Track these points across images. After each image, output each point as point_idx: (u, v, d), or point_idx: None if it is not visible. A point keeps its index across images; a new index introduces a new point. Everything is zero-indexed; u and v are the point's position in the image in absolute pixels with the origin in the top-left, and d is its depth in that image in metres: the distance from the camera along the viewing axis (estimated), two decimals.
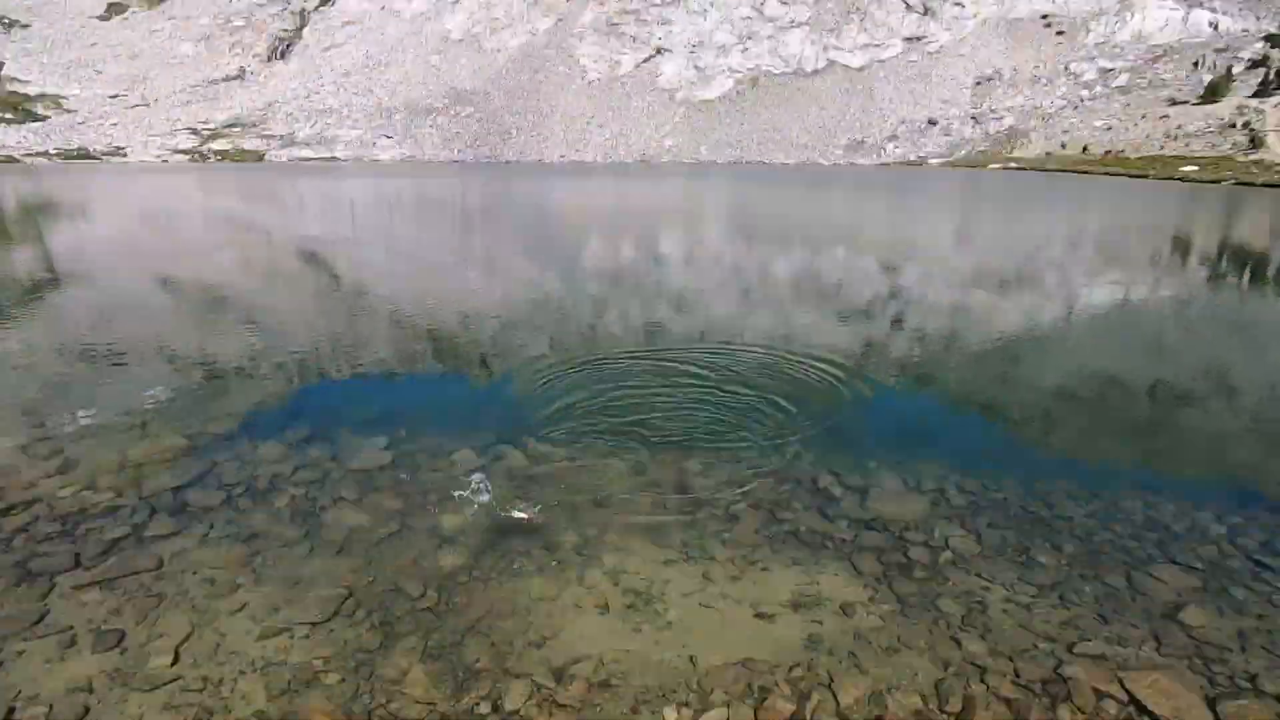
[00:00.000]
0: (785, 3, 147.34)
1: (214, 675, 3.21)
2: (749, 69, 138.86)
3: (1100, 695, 3.10)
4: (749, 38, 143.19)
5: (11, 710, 2.98)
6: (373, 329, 9.85)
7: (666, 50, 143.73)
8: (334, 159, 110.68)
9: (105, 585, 3.87)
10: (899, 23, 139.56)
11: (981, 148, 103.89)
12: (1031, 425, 6.60)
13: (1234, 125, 72.93)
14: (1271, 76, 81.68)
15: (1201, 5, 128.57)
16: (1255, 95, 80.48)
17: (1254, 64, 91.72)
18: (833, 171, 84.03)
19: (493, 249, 19.13)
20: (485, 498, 4.79)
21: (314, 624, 3.57)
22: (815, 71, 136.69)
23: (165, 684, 3.15)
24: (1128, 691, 3.12)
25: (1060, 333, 10.17)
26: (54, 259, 16.08)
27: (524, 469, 5.29)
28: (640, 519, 4.60)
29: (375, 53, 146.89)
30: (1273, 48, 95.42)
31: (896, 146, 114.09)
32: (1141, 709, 3.02)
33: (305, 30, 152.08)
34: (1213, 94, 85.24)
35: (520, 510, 4.61)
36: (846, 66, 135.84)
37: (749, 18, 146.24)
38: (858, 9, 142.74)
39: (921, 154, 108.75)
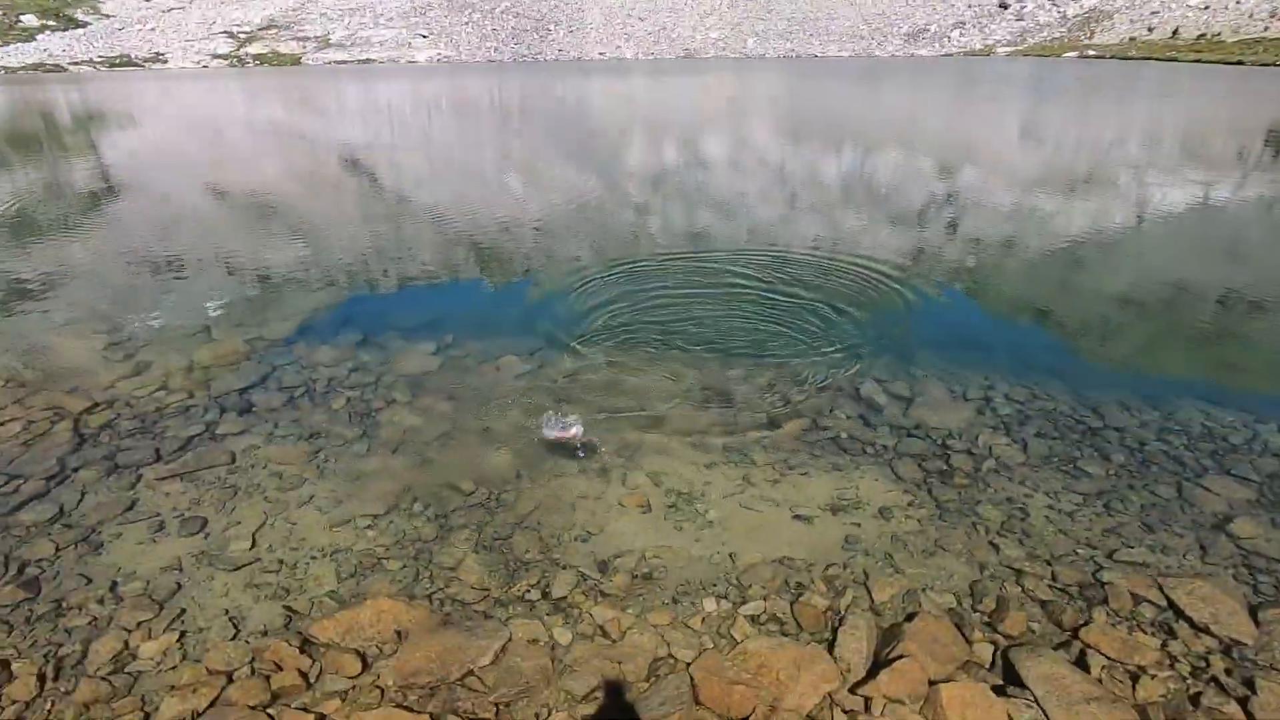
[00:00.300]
0: None
1: (289, 559, 3.50)
2: None
3: (1138, 600, 3.13)
4: None
5: (114, 585, 3.31)
6: (416, 236, 9.92)
7: None
8: (369, 60, 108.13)
9: (185, 478, 4.18)
10: None
11: (1058, 33, 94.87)
12: (1089, 333, 6.36)
13: None
14: None
15: None
16: None
17: None
18: (890, 63, 78.31)
19: (532, 153, 18.74)
20: (562, 432, 4.29)
21: (375, 516, 3.81)
22: None
23: (246, 565, 3.45)
24: (1166, 597, 3.13)
25: (1128, 236, 9.59)
26: (108, 170, 16.44)
27: (570, 374, 5.39)
28: (682, 424, 4.68)
29: None
30: None
31: (963, 34, 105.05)
32: (1179, 613, 3.04)
33: None
34: None
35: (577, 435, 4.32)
36: None
37: None
38: None
39: (989, 42, 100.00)
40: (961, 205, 11.50)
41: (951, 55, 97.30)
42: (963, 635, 2.97)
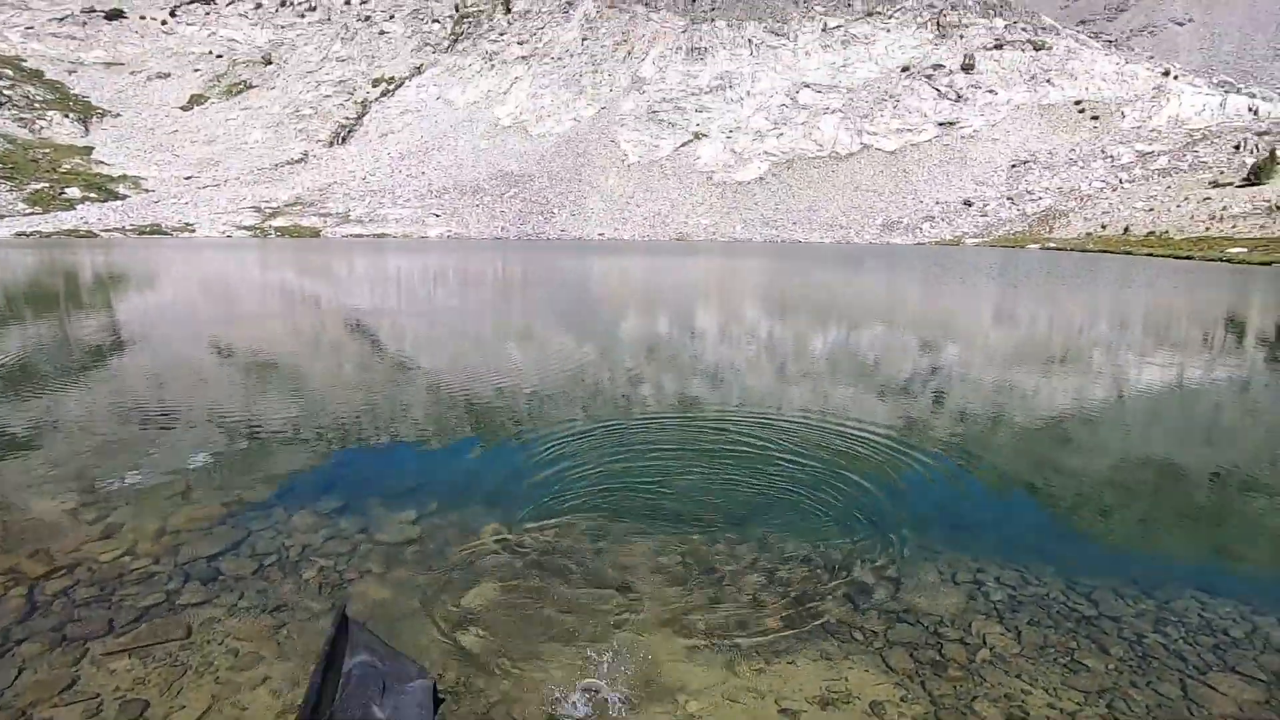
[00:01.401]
0: (819, 91, 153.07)
1: None
2: (784, 152, 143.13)
3: None
4: (784, 123, 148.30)
5: None
6: (410, 398, 10.11)
7: (704, 135, 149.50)
8: (384, 235, 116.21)
9: (135, 653, 3.93)
10: (931, 109, 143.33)
11: (1019, 228, 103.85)
12: (1078, 515, 6.34)
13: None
14: None
15: (1239, 91, 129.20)
16: None
17: None
18: (867, 248, 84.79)
19: (530, 321, 19.64)
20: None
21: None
22: (850, 155, 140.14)
23: None
24: None
25: (1109, 416, 9.87)
26: (118, 324, 17.05)
27: (549, 545, 5.27)
28: (662, 604, 4.52)
29: (429, 138, 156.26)
30: None
31: (933, 227, 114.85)
32: None
33: (365, 118, 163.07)
34: (1257, 176, 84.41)
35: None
36: (880, 150, 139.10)
37: (784, 105, 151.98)
38: (890, 96, 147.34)
39: (957, 234, 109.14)
40: (946, 381, 11.92)
41: (924, 244, 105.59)
42: None
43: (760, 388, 11.16)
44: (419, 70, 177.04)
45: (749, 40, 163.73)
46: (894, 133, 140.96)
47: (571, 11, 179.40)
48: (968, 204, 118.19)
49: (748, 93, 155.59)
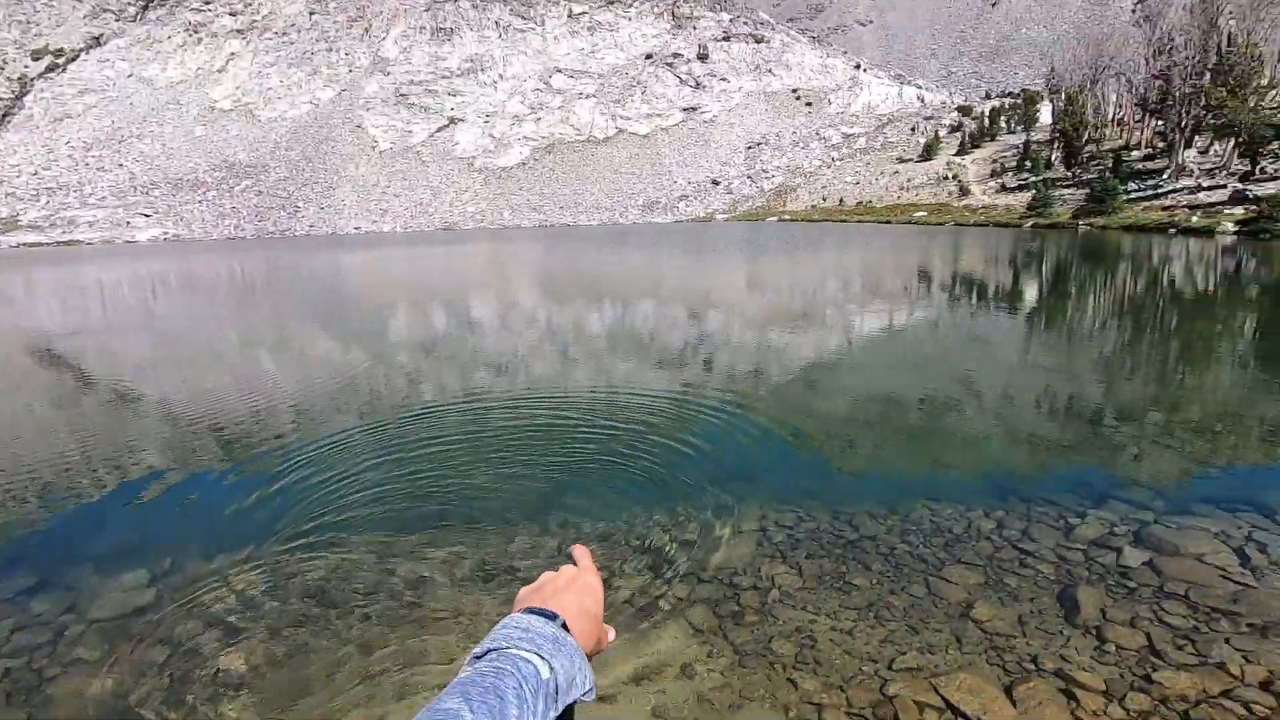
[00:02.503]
0: (572, 76, 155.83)
1: None
2: (543, 137, 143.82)
3: (922, 707, 3.29)
4: (540, 108, 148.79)
5: None
6: (130, 434, 8.34)
7: (460, 120, 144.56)
8: (75, 242, 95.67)
9: None
10: (675, 95, 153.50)
11: (759, 203, 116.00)
12: (831, 450, 7.16)
13: (946, 178, 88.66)
14: (966, 139, 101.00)
15: (909, 83, 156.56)
16: (957, 153, 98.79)
17: (952, 129, 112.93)
18: (631, 227, 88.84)
19: (276, 326, 17.40)
20: None
21: None
22: (607, 139, 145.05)
23: None
24: (942, 697, 3.34)
25: (843, 360, 11.35)
26: None
27: (325, 575, 4.65)
28: (467, 619, 4.21)
29: (123, 124, 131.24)
30: (964, 116, 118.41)
31: (688, 205, 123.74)
32: (956, 712, 3.24)
33: (28, 99, 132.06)
34: (928, 153, 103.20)
35: None
36: (634, 134, 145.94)
37: (539, 89, 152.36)
38: (639, 82, 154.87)
39: (710, 210, 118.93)
40: (710, 347, 12.81)
41: (681, 221, 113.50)
42: None
43: (540, 371, 11.05)
44: (98, 41, 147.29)
45: (496, 23, 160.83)
46: (645, 117, 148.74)
47: None
48: (715, 183, 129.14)
49: (500, 76, 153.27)
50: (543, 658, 0.66)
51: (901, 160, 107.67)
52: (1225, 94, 50.37)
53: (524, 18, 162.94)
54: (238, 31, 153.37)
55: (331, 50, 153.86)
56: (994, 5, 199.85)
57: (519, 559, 4.89)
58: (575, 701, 0.70)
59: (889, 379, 10.08)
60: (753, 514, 5.46)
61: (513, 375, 10.97)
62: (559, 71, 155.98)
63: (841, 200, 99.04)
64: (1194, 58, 56.48)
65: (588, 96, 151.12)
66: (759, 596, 4.33)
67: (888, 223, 72.16)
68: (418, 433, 7.86)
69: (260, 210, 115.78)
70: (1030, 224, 55.74)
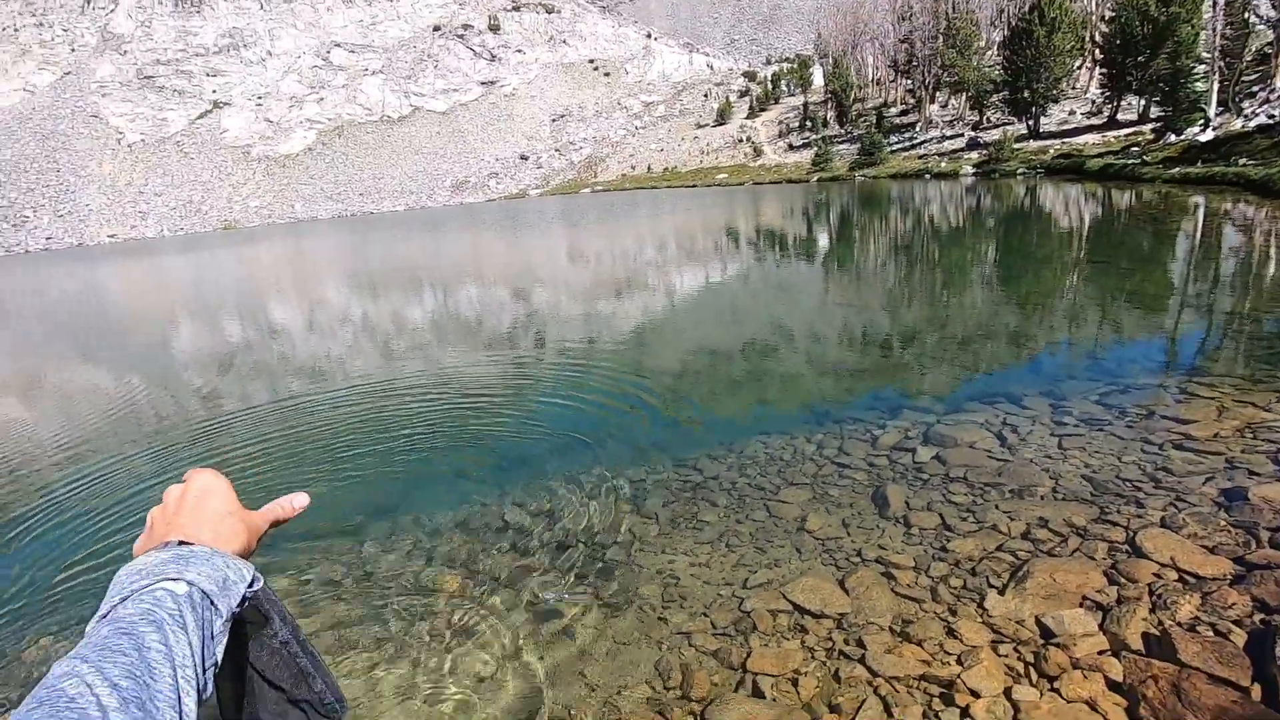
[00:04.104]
0: (353, 51, 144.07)
1: None
2: (329, 119, 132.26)
3: (774, 614, 3.68)
4: (321, 87, 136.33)
5: None
6: None
7: (226, 104, 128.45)
8: None
9: None
10: (471, 68, 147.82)
11: (570, 176, 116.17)
12: (668, 406, 7.55)
13: (741, 140, 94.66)
14: (754, 103, 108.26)
15: (698, 50, 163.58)
16: (748, 116, 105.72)
17: (741, 94, 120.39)
18: (442, 210, 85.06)
19: (33, 359, 14.65)
20: None
21: None
22: (402, 118, 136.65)
23: None
24: (790, 601, 3.76)
25: (671, 318, 11.92)
26: None
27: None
28: (328, 624, 3.98)
29: None
30: (749, 81, 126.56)
31: (499, 183, 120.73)
32: (802, 610, 3.68)
33: None
34: (722, 118, 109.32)
35: None
36: (432, 111, 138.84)
37: (317, 67, 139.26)
38: (430, 56, 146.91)
39: (521, 187, 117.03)
40: (542, 323, 12.81)
41: (495, 200, 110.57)
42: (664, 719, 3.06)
43: (362, 366, 10.43)
44: None
45: None
46: (441, 93, 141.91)
47: None
48: (524, 158, 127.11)
49: (269, 53, 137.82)
50: (171, 579, 0.60)
51: (700, 125, 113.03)
52: (955, 55, 58.60)
53: None
54: None
55: (44, 25, 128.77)
56: None
57: (375, 561, 4.68)
58: (253, 596, 0.67)
59: (711, 332, 10.77)
60: (604, 476, 5.65)
61: (330, 376, 10.23)
62: (338, 46, 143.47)
63: (649, 168, 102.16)
64: (929, 24, 64.97)
65: (374, 73, 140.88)
66: (623, 550, 4.54)
67: (694, 186, 75.80)
68: (220, 442, 7.11)
69: None
70: (816, 178, 61.52)
